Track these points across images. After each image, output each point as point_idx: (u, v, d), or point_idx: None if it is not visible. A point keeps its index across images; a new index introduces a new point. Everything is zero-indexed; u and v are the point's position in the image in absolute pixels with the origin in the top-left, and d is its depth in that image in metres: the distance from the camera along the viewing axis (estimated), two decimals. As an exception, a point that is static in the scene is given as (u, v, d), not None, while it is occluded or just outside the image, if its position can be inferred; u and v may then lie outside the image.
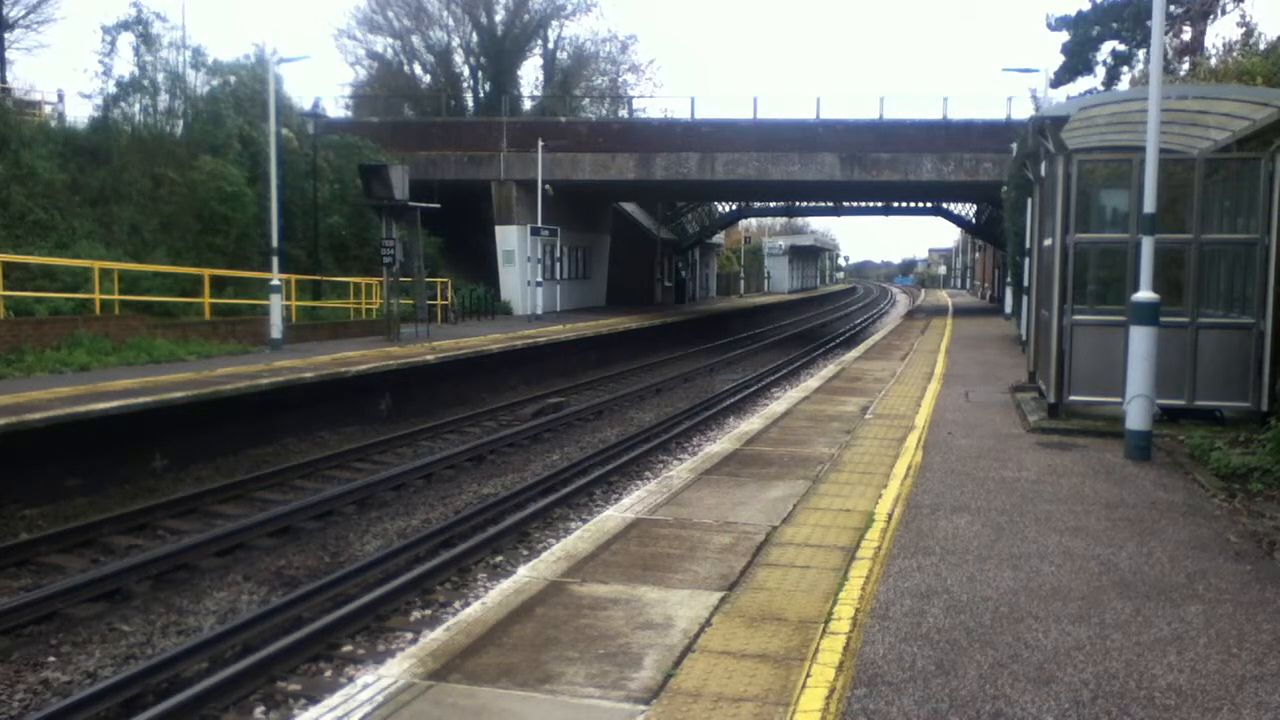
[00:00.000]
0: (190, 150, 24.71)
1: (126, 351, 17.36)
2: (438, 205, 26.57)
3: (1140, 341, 9.08)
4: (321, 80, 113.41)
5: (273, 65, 23.52)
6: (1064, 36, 31.94)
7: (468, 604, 7.08)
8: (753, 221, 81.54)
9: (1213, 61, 19.49)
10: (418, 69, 49.18)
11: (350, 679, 6.13)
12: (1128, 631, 4.97)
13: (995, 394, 14.14)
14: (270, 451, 14.81)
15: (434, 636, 4.81)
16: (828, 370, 18.48)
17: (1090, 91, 28.56)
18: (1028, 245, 18.25)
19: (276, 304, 20.57)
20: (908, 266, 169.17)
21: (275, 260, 21.03)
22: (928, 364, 18.74)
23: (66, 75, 77.99)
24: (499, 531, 10.37)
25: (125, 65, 24.74)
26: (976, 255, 73.84)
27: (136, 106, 24.78)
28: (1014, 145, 23.46)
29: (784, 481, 8.30)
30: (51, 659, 7.39)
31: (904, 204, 50.05)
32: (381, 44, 48.83)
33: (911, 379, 16.20)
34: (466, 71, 48.56)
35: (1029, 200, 17.17)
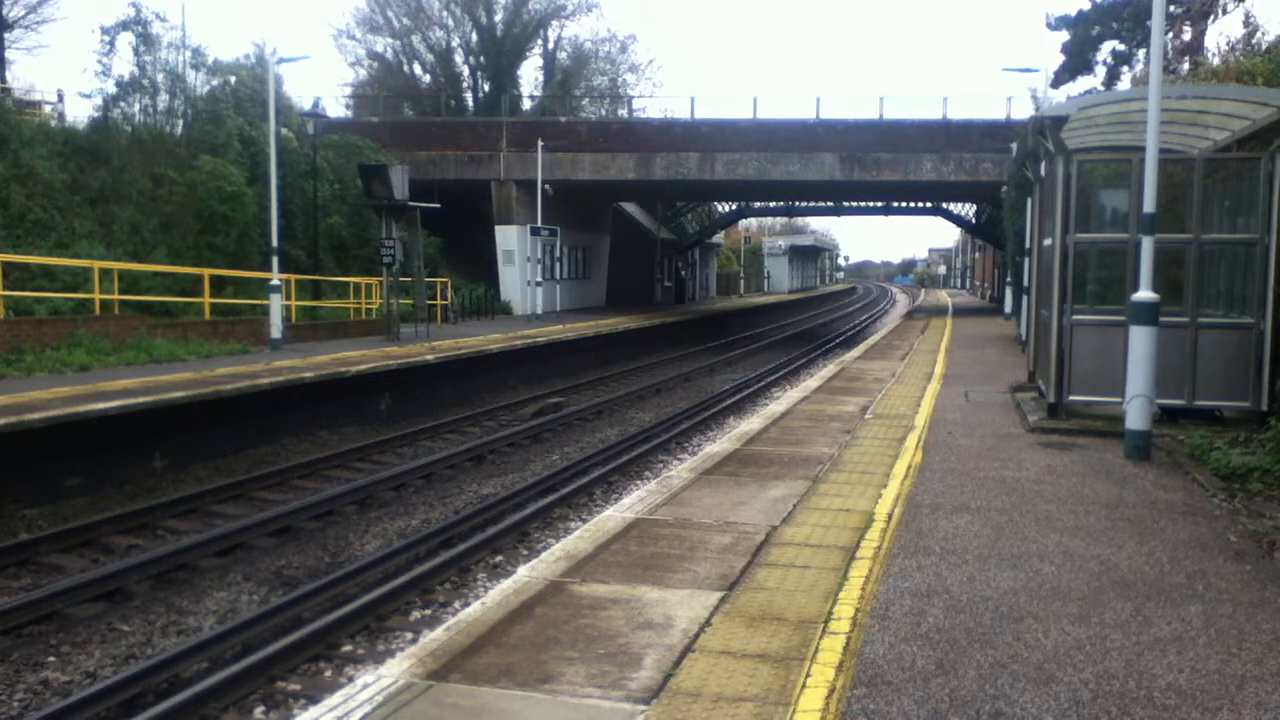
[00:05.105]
0: (190, 150, 24.71)
1: (126, 351, 17.35)
2: (438, 205, 26.57)
3: (1140, 341, 9.08)
4: (321, 80, 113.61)
5: (273, 65, 23.53)
6: (1064, 36, 32.02)
7: (468, 604, 7.07)
8: (753, 221, 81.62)
9: (1214, 61, 19.50)
10: (418, 69, 49.24)
11: (350, 679, 6.13)
12: (1127, 631, 4.97)
13: (995, 394, 14.14)
14: (270, 451, 14.81)
15: (434, 636, 4.81)
16: (827, 370, 18.48)
17: (1090, 91, 28.59)
18: (1028, 245, 18.25)
19: (276, 304, 20.57)
20: (908, 266, 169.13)
21: (275, 260, 21.04)
22: (928, 364, 18.73)
23: (66, 75, 78.02)
24: (499, 531, 10.37)
25: (125, 65, 24.76)
26: (976, 255, 73.82)
27: (136, 106, 24.76)
28: (1014, 145, 23.48)
29: (784, 481, 8.30)
30: (51, 659, 7.39)
31: (904, 204, 50.08)
32: (381, 44, 48.93)
33: (911, 379, 16.19)
34: (466, 71, 48.59)
35: (1029, 200, 17.17)
